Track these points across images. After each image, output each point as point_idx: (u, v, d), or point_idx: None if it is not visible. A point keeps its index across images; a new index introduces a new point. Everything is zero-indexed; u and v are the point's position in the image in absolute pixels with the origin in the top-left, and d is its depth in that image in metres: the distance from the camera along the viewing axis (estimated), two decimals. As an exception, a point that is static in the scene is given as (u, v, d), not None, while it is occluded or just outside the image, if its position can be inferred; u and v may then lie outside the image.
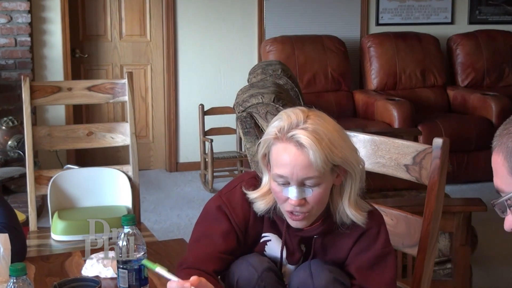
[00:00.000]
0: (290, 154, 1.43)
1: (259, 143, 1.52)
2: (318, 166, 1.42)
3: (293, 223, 1.51)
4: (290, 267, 1.59)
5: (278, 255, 1.59)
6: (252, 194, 1.56)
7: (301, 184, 1.45)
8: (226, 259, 1.56)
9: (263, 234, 1.60)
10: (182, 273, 1.51)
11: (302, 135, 1.42)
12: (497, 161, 1.11)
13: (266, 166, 1.54)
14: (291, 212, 1.49)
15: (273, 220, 1.58)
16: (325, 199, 1.50)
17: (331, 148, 1.43)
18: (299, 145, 1.43)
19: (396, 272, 1.58)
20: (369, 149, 1.85)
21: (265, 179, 1.56)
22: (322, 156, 1.42)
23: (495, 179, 1.14)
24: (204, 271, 1.52)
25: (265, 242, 1.59)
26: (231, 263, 1.57)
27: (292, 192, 1.46)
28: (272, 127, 1.48)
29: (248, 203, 1.57)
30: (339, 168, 1.49)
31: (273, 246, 1.59)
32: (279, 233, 1.59)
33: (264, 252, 1.60)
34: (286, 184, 1.46)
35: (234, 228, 1.57)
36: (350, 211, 1.52)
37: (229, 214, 1.57)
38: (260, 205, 1.55)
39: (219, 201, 1.60)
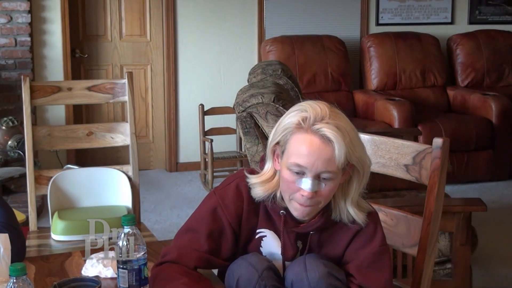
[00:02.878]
0: (314, 146, 1.45)
1: (275, 129, 1.53)
2: (339, 161, 1.45)
3: (297, 213, 1.53)
4: (286, 263, 1.60)
5: (274, 251, 1.59)
6: (252, 179, 1.58)
7: (317, 177, 1.47)
8: (208, 258, 1.57)
9: (258, 230, 1.60)
10: (166, 267, 1.55)
11: (329, 129, 1.45)
12: None
13: (273, 153, 1.55)
14: (299, 203, 1.50)
15: (269, 215, 1.59)
16: (332, 195, 1.52)
17: (351, 146, 1.46)
18: (325, 138, 1.45)
19: (392, 270, 1.58)
20: (369, 149, 1.85)
21: (268, 166, 1.57)
22: (344, 153, 1.45)
23: None
24: (185, 266, 1.55)
25: (260, 238, 1.60)
26: (214, 262, 1.59)
27: (306, 184, 1.47)
28: (293, 116, 1.49)
29: (242, 200, 1.58)
30: (349, 166, 1.51)
31: (269, 242, 1.59)
32: (274, 229, 1.59)
33: (260, 248, 1.60)
34: (301, 174, 1.48)
35: (225, 226, 1.58)
36: (352, 209, 1.54)
37: (221, 212, 1.58)
38: (259, 191, 1.57)
39: (213, 198, 1.61)
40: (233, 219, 1.58)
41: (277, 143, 1.53)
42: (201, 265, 1.57)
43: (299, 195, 1.49)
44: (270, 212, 1.58)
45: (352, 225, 1.56)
